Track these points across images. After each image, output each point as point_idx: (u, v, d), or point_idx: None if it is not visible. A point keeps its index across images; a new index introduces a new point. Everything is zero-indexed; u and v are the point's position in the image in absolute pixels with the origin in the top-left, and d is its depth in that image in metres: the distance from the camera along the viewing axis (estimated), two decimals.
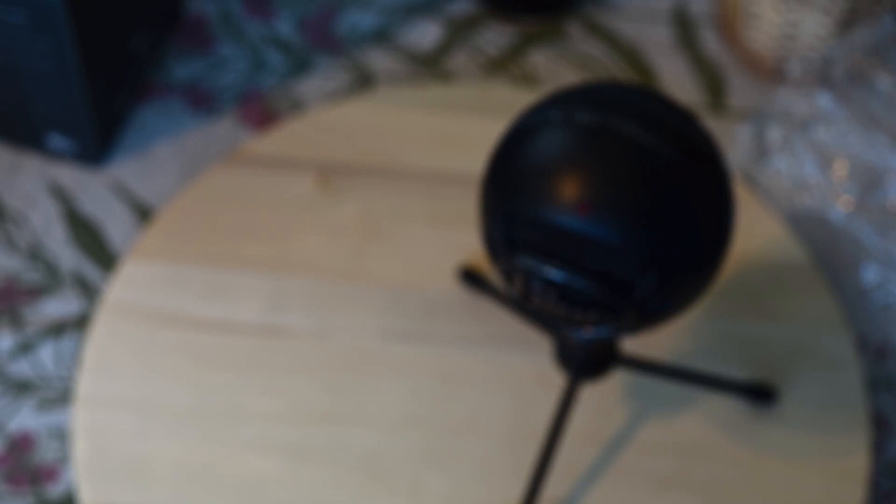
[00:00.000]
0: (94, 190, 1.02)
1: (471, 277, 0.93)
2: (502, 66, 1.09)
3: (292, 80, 1.08)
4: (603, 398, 0.90)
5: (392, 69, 1.09)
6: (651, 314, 0.66)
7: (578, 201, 0.62)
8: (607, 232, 0.62)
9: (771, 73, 1.08)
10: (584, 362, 0.81)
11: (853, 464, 0.87)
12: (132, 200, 1.01)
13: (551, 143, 0.64)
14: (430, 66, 1.09)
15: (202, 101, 1.07)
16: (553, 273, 0.64)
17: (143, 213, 1.01)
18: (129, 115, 1.05)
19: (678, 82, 1.09)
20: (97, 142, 1.01)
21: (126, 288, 0.94)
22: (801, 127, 0.97)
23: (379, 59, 1.09)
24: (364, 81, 1.08)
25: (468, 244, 0.93)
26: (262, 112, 1.06)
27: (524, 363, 0.91)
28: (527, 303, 0.68)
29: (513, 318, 0.91)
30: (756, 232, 0.97)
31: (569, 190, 0.62)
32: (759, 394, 0.89)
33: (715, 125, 1.05)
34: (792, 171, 0.98)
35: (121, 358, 0.91)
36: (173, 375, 0.90)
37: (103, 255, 0.98)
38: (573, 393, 0.83)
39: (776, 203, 0.99)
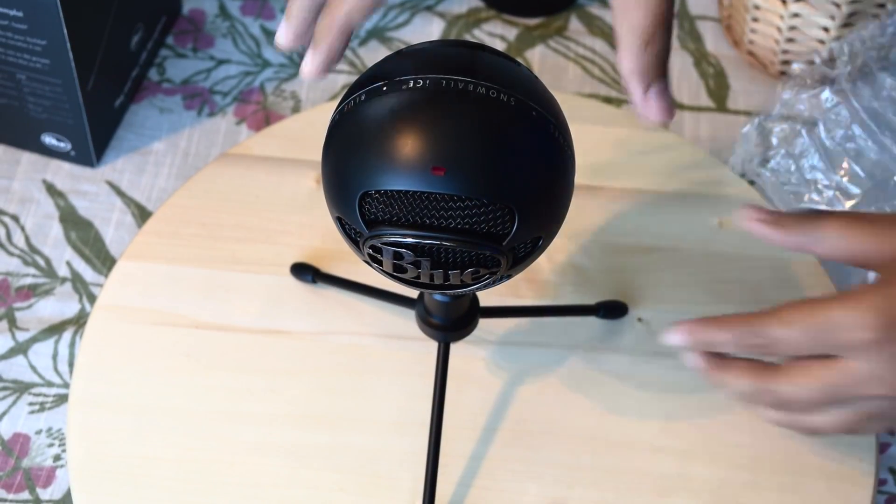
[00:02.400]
0: (90, 190, 1.02)
1: (302, 270, 0.93)
2: None
3: (291, 78, 1.08)
4: (605, 400, 0.90)
5: None
6: (524, 256, 0.68)
7: (433, 163, 0.63)
8: (467, 186, 0.63)
9: (775, 71, 1.08)
10: (451, 323, 0.83)
11: (858, 466, 0.86)
12: (129, 200, 1.01)
13: (390, 116, 0.64)
14: None
15: (200, 100, 1.07)
16: (422, 243, 0.64)
17: (140, 213, 1.00)
18: (126, 113, 1.05)
19: (681, 80, 1.09)
20: (93, 141, 1.01)
21: (122, 289, 0.94)
22: (805, 126, 0.97)
23: (378, 57, 1.08)
24: None
25: None
26: (260, 111, 1.06)
27: (524, 360, 0.91)
28: (399, 280, 0.68)
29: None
30: None
31: (421, 155, 0.63)
32: (611, 310, 0.92)
33: (718, 124, 1.06)
34: (796, 170, 0.98)
35: (116, 360, 0.90)
36: (169, 377, 0.90)
37: (99, 256, 0.98)
38: (447, 356, 0.84)
39: (780, 202, 0.99)
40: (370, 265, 0.70)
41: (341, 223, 0.68)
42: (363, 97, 0.66)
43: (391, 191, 0.63)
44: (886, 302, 0.69)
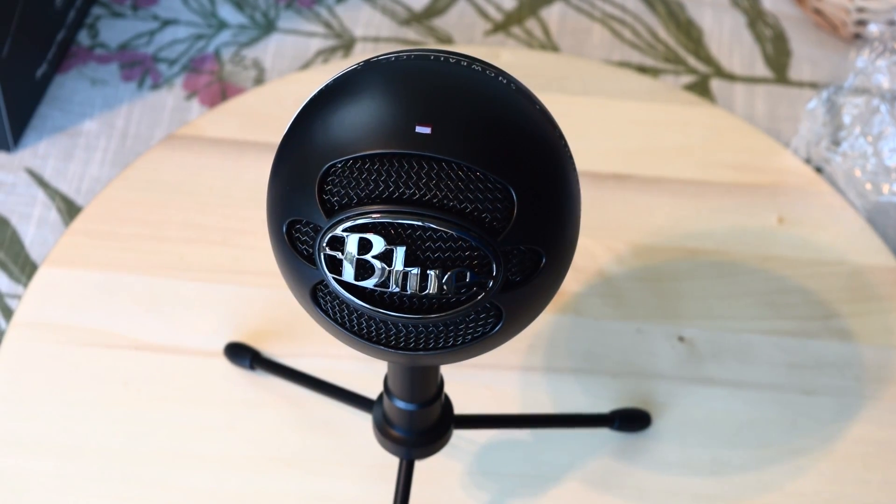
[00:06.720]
0: (5, 180, 0.97)
1: (237, 351, 0.86)
2: (511, 25, 1.05)
3: (254, 42, 1.04)
4: (640, 438, 0.84)
5: (376, 30, 1.05)
6: (521, 280, 0.59)
7: (417, 119, 0.57)
8: (458, 148, 0.57)
9: (847, 33, 1.04)
10: (415, 431, 0.75)
11: None
12: (53, 192, 0.96)
13: (364, 76, 0.60)
14: (424, 26, 1.05)
15: (141, 70, 1.03)
16: (397, 223, 0.57)
17: (68, 209, 0.95)
18: (50, 86, 1.02)
19: (732, 45, 1.04)
20: (10, 120, 0.97)
21: (45, 301, 0.91)
22: (884, 100, 0.93)
23: (359, 17, 1.05)
24: (342, 46, 1.04)
25: None
26: (215, 82, 1.02)
27: (519, 375, 0.87)
28: (358, 302, 0.58)
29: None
30: (829, 229, 0.95)
31: (402, 108, 0.57)
32: (630, 420, 0.86)
33: (777, 98, 1.02)
34: (874, 155, 0.93)
35: (37, 389, 0.88)
36: (103, 411, 0.87)
37: (17, 261, 0.93)
38: (409, 476, 0.78)
39: (854, 193, 0.96)
40: (319, 307, 0.60)
41: (289, 233, 0.59)
42: (330, 81, 0.59)
43: (363, 157, 0.56)
44: None
